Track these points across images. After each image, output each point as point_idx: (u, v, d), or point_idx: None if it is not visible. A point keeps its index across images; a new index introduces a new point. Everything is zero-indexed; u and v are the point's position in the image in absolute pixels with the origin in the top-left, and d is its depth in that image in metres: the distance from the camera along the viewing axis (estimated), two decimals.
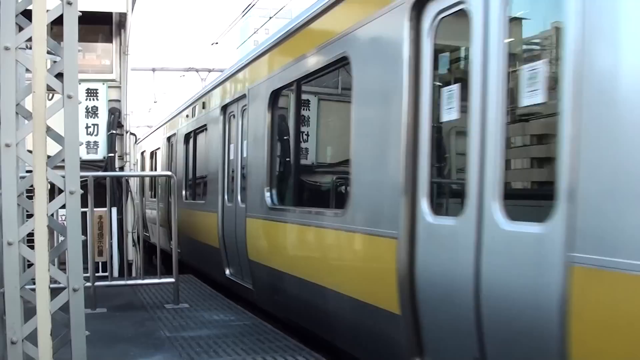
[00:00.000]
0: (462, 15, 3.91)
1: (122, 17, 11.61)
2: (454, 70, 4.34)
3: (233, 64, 9.60)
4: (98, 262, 9.43)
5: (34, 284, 3.61)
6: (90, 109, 11.42)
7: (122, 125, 11.80)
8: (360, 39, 5.03)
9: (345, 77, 5.57)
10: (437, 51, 4.25)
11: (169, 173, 9.67)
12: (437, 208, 4.26)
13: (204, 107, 11.18)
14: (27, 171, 3.84)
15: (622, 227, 2.79)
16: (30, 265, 3.71)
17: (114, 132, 11.50)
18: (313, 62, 6.15)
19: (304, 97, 6.81)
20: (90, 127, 11.43)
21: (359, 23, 5.03)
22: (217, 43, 23.98)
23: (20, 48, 3.61)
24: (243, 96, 8.61)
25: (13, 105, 3.59)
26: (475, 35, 3.80)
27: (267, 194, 7.34)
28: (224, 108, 9.61)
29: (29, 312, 3.65)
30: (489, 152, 3.65)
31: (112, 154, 11.42)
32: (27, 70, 3.75)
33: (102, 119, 11.50)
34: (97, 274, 8.32)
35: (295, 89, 6.74)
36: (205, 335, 6.51)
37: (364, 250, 5.13)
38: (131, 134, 12.43)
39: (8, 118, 3.58)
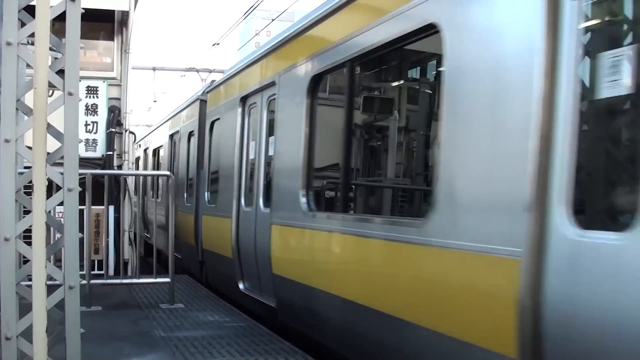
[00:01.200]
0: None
1: (125, 15, 11.60)
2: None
3: None
4: (94, 260, 9.41)
5: (30, 280, 3.61)
6: (90, 107, 11.41)
7: (122, 124, 11.78)
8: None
9: None
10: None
11: (168, 173, 9.65)
12: None
13: None
14: (26, 167, 3.84)
15: None
16: (26, 261, 3.71)
17: (113, 130, 11.49)
18: None
19: None
20: (89, 124, 11.42)
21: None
22: (218, 44, 23.98)
23: (21, 43, 3.61)
24: None
25: (13, 101, 3.59)
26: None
27: None
28: None
29: (24, 308, 3.64)
30: None
31: (111, 152, 11.41)
32: (28, 66, 3.75)
33: (102, 116, 11.49)
34: (92, 272, 8.30)
35: None
36: (199, 335, 6.50)
37: None
38: (130, 132, 12.42)
39: (8, 113, 3.58)
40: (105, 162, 11.30)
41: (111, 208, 10.04)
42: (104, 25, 11.62)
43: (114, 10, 11.44)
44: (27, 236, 3.60)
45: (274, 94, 7.36)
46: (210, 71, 23.95)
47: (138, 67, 21.81)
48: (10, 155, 3.58)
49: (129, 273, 10.90)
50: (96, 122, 11.46)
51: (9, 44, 3.56)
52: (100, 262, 9.54)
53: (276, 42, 7.43)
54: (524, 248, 3.32)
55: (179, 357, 5.66)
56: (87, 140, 11.32)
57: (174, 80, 42.85)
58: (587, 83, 3.41)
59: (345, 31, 5.59)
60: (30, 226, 3.59)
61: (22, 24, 3.64)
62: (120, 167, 11.76)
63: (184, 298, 8.64)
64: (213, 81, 11.21)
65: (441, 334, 4.01)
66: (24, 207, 3.77)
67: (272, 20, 19.78)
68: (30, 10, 3.61)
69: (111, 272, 9.90)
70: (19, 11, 3.61)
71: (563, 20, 3.29)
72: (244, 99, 8.58)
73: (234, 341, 6.28)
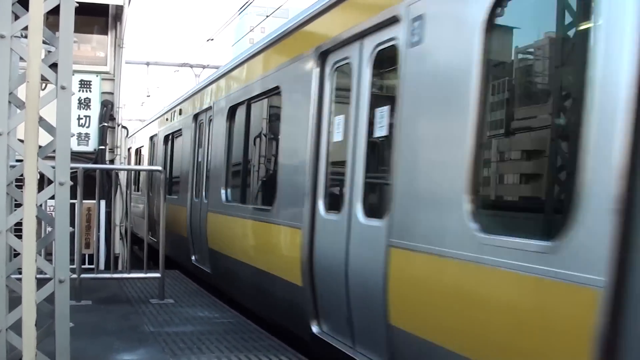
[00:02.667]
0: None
1: (119, 9, 11.58)
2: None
3: None
4: (84, 255, 9.39)
5: (20, 273, 3.61)
6: (82, 101, 11.39)
7: (114, 118, 11.77)
8: None
9: None
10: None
11: (160, 168, 9.63)
12: None
13: None
14: (17, 160, 3.84)
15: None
16: (16, 254, 3.71)
17: (106, 124, 11.48)
18: None
19: None
20: (82, 118, 11.40)
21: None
22: (212, 39, 23.94)
23: (15, 36, 3.61)
24: None
25: (6, 94, 3.59)
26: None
27: None
28: None
29: (14, 301, 3.64)
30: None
31: (103, 147, 11.39)
32: (21, 59, 3.74)
33: (94, 111, 11.47)
34: (83, 266, 8.28)
35: None
36: (189, 331, 6.50)
37: None
38: (123, 127, 12.41)
39: (0, 106, 3.58)
40: (97, 156, 11.29)
41: (102, 202, 10.02)
42: (97, 19, 11.60)
43: (108, 5, 11.42)
44: (17, 229, 3.60)
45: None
46: (204, 66, 23.92)
47: (132, 61, 21.74)
48: (2, 148, 3.57)
49: (120, 268, 10.89)
50: (89, 117, 11.44)
51: (2, 36, 3.55)
52: (90, 256, 9.52)
53: None
54: None
55: (168, 353, 5.66)
56: (79, 134, 11.30)
57: (167, 75, 42.71)
58: None
59: None
60: (21, 219, 3.59)
61: (16, 17, 3.64)
62: (112, 161, 11.75)
63: (174, 293, 8.63)
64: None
65: None
66: (15, 200, 3.77)
67: (267, 16, 19.78)
68: (24, 3, 3.61)
69: (102, 266, 9.88)
70: (12, 4, 3.61)
71: None
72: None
73: (223, 337, 6.29)
